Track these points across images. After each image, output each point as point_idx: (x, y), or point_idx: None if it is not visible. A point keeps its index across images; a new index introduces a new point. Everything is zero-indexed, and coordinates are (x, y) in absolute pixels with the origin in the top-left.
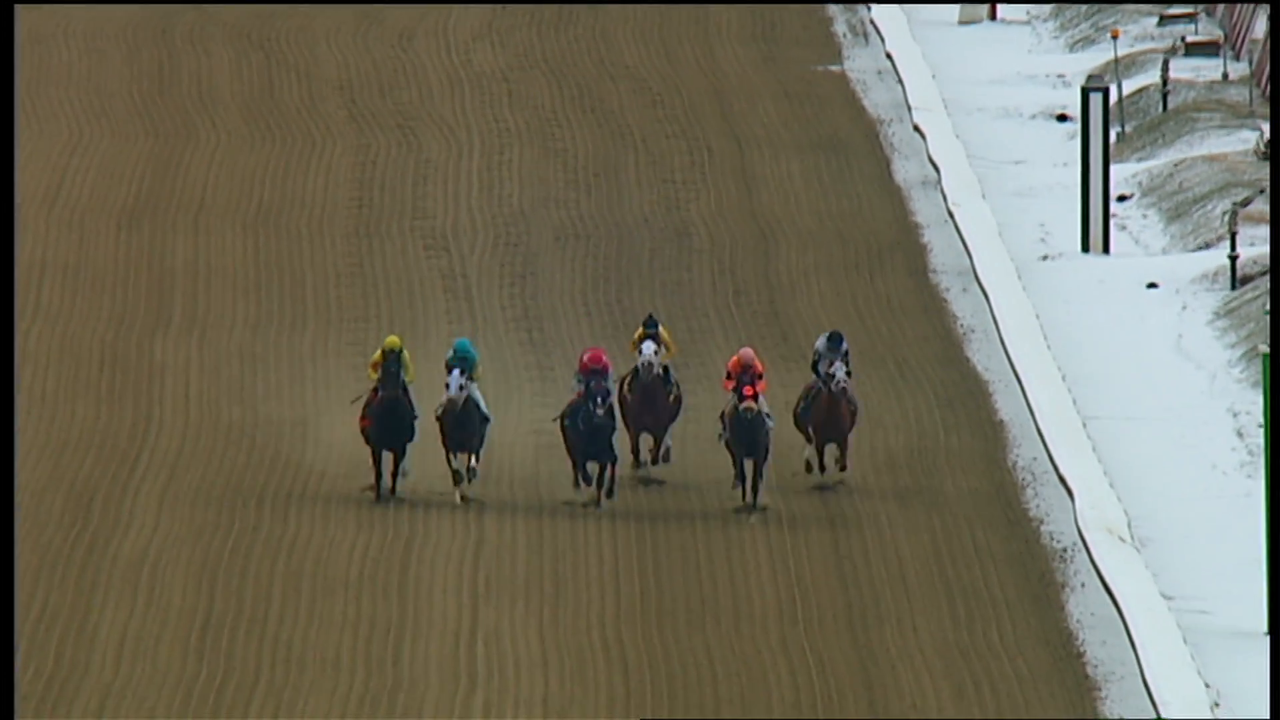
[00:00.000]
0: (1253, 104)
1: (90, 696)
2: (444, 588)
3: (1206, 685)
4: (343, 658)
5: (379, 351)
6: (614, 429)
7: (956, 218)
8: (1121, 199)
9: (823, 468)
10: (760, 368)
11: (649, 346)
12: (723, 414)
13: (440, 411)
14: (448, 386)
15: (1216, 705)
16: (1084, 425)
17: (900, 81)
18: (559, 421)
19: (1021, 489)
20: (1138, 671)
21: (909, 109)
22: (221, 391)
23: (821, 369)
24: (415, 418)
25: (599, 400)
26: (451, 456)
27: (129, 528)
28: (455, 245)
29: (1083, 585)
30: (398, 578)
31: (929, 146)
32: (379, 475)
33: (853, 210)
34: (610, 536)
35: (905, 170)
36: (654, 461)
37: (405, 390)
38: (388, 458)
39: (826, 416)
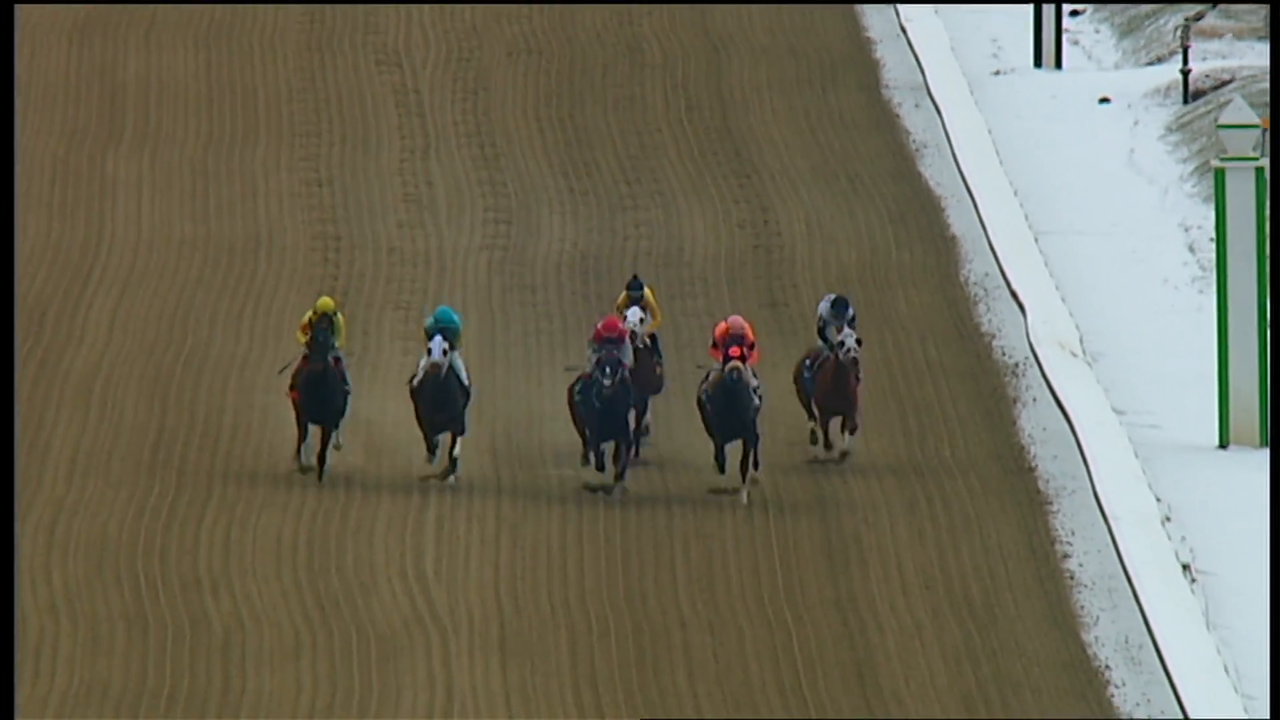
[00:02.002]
0: None
1: (43, 510)
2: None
3: (1158, 499)
4: (293, 472)
5: (310, 312)
6: (630, 402)
7: (909, 33)
8: (1074, 13)
9: (828, 443)
10: (751, 337)
11: (634, 314)
12: (702, 384)
13: (416, 383)
14: (429, 352)
15: (1167, 519)
16: (1035, 240)
17: None
18: (569, 393)
19: (973, 304)
20: (1089, 485)
21: None
22: (173, 207)
23: (830, 336)
24: (347, 392)
25: (609, 370)
26: (430, 438)
27: (81, 343)
28: (407, 61)
29: (1034, 400)
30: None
31: None
32: (301, 444)
33: (805, 25)
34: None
35: None
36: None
37: (338, 360)
38: (316, 432)
39: (832, 387)
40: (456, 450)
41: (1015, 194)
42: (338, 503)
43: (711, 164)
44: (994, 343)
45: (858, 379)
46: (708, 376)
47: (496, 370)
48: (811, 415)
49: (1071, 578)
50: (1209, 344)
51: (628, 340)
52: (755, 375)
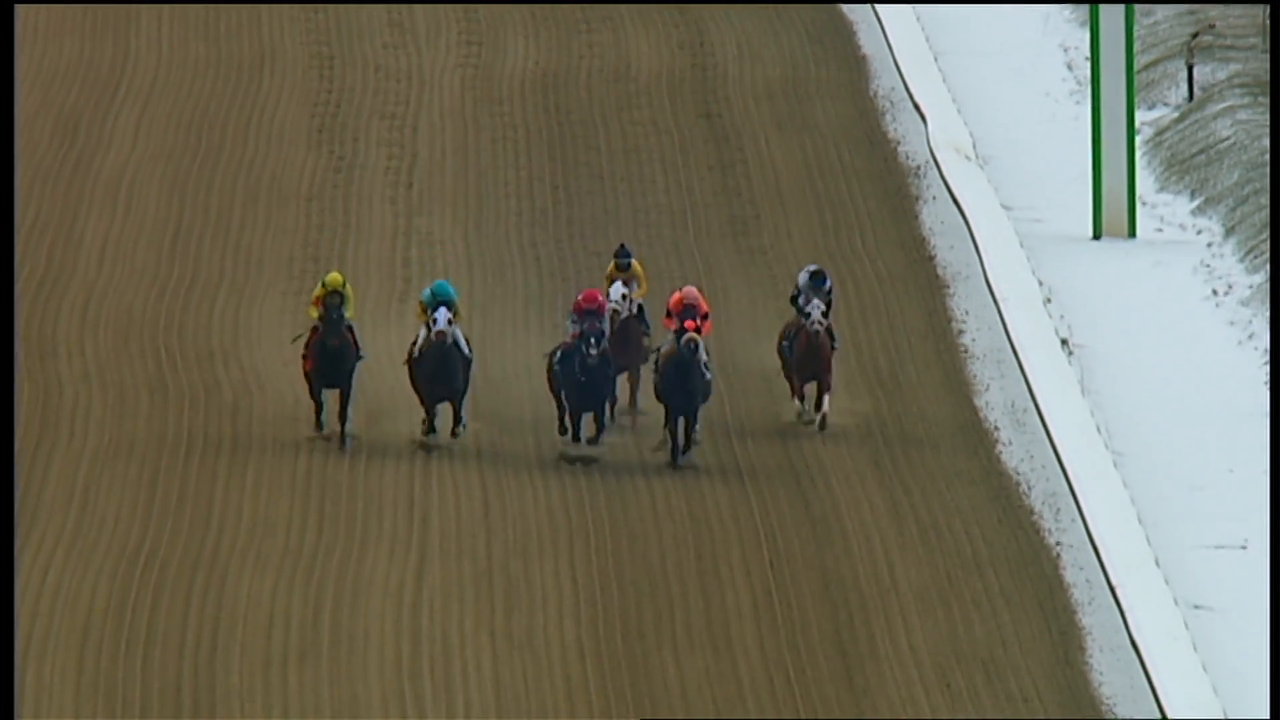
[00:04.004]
0: None
1: (77, 293)
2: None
3: (1040, 283)
4: (294, 259)
5: (319, 287)
6: (611, 375)
7: None
8: None
9: (813, 405)
10: (705, 307)
11: (617, 290)
12: (657, 355)
13: (417, 353)
14: (434, 322)
15: (1048, 300)
16: (935, 59)
17: None
18: (547, 360)
19: (881, 115)
20: (980, 271)
21: None
22: (189, 29)
23: (801, 304)
24: (360, 358)
25: (593, 341)
26: (430, 408)
27: (110, 148)
28: None
29: (934, 198)
30: (343, 196)
31: None
32: (319, 411)
33: None
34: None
35: None
36: (631, 403)
37: (350, 329)
38: (331, 398)
39: (805, 354)
40: (463, 426)
41: (918, 19)
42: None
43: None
44: (899, 148)
45: (833, 346)
46: (660, 349)
47: (469, 176)
48: (794, 391)
49: (965, 351)
50: (1084, 148)
51: (606, 314)
52: (706, 351)
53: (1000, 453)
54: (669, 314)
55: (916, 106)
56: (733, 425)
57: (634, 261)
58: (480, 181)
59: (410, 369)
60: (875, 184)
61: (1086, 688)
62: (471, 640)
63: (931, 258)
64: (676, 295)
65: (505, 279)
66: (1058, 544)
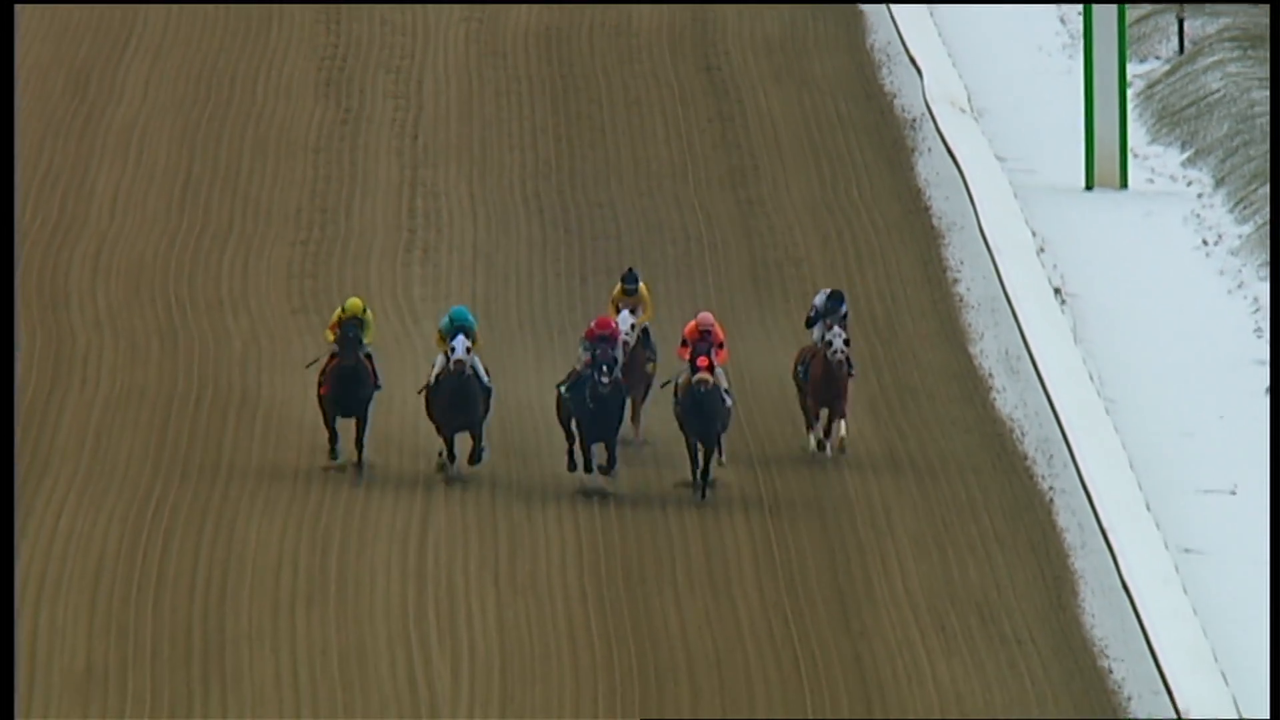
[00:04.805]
0: None
1: (89, 242)
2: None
3: (1033, 233)
4: (302, 210)
5: (337, 312)
6: (623, 403)
7: None
8: None
9: (826, 432)
10: (720, 335)
11: (625, 320)
12: (675, 385)
13: (434, 381)
14: (452, 350)
15: (1041, 250)
16: (930, 13)
17: None
18: (557, 392)
19: (877, 68)
20: (975, 221)
21: None
22: None
23: (818, 332)
24: (378, 386)
25: (605, 369)
26: (446, 439)
27: (120, 101)
28: None
29: (929, 150)
30: (349, 148)
31: None
32: (334, 437)
33: None
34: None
35: None
36: (635, 422)
37: (369, 357)
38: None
39: (822, 380)
40: (484, 453)
41: None
42: (339, 234)
43: None
44: (895, 101)
45: (850, 374)
46: (677, 378)
47: (473, 129)
48: (809, 423)
49: (960, 300)
50: (1077, 101)
51: (619, 340)
52: (725, 377)
53: (994, 400)
54: (684, 342)
55: (912, 60)
56: (731, 376)
57: (641, 285)
58: (484, 133)
59: (427, 399)
60: (871, 136)
61: (1079, 630)
62: (476, 584)
63: (927, 208)
64: (692, 324)
65: (509, 229)
66: (1051, 489)
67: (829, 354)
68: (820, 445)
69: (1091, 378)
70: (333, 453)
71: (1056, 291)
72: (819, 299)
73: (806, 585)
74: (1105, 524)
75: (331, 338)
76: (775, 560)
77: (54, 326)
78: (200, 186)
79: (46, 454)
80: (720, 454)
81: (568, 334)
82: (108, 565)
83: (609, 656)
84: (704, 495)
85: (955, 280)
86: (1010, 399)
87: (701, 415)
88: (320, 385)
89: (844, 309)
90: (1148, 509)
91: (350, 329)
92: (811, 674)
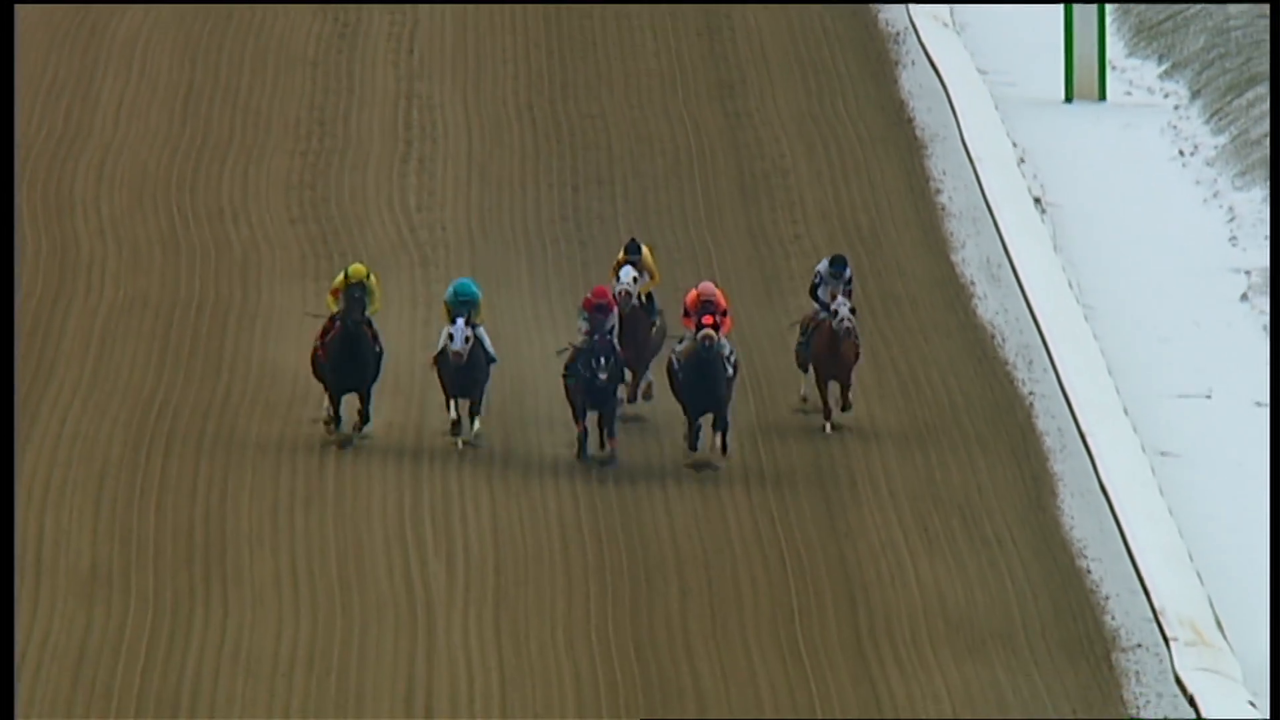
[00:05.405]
0: None
1: (94, 152)
2: (380, 136)
3: (1014, 144)
4: (300, 121)
5: (339, 278)
6: (617, 388)
7: None
8: None
9: (827, 411)
10: (724, 304)
11: (627, 273)
12: (674, 354)
13: (439, 355)
14: (452, 337)
15: (1022, 161)
16: None
17: None
18: (563, 378)
19: None
20: (957, 133)
21: None
22: None
23: (823, 296)
24: (380, 354)
25: (601, 362)
26: (451, 402)
27: (124, 12)
28: None
29: (913, 63)
30: (346, 61)
31: None
32: (337, 412)
33: None
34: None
35: None
36: (631, 399)
37: (370, 323)
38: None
39: (827, 352)
40: (477, 425)
41: None
42: (337, 145)
43: None
44: (879, 14)
45: (856, 347)
46: (681, 342)
47: (468, 42)
48: (808, 384)
49: (943, 209)
50: (1056, 15)
51: (615, 310)
52: (729, 345)
53: (976, 306)
54: (686, 312)
55: None
56: (719, 281)
57: (644, 252)
58: (479, 46)
59: (438, 370)
60: (856, 49)
61: (1058, 530)
62: (470, 487)
63: (910, 120)
64: (693, 293)
65: (502, 140)
66: (1031, 393)
67: (835, 323)
68: (805, 401)
69: (1070, 285)
70: (336, 419)
71: (1036, 201)
72: (822, 265)
73: (793, 487)
74: (1084, 427)
75: (333, 304)
76: (762, 463)
77: (59, 235)
78: (201, 98)
79: (52, 359)
80: (725, 440)
81: (560, 244)
82: (111, 468)
83: (600, 557)
84: (712, 462)
85: (938, 190)
86: (991, 306)
87: (704, 376)
88: (319, 347)
89: (848, 274)
90: (1125, 413)
91: (356, 291)
92: (798, 573)
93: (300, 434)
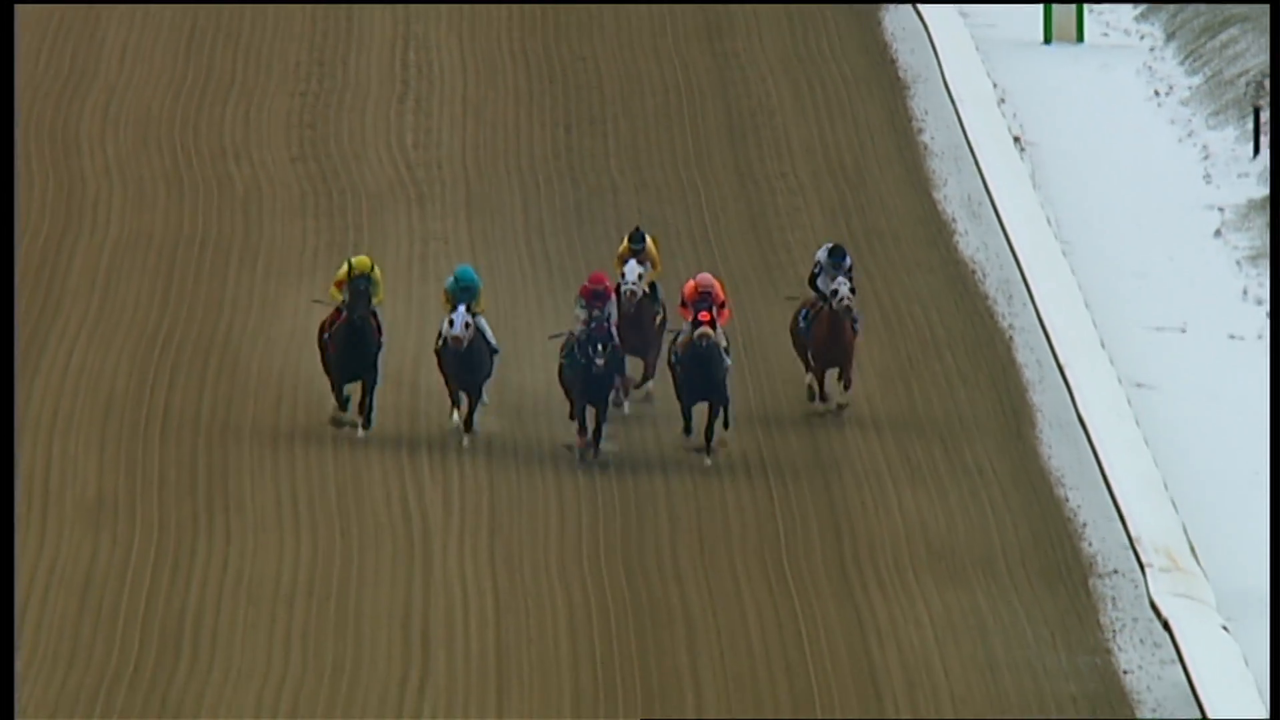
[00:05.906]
0: None
1: (99, 93)
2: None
3: (994, 84)
4: (300, 63)
5: (343, 269)
6: (614, 377)
7: None
8: None
9: (824, 396)
10: (721, 295)
11: (632, 270)
12: (674, 344)
13: (441, 345)
14: (452, 324)
15: (1002, 101)
16: None
17: None
18: (559, 364)
19: None
20: (939, 74)
21: None
22: None
23: (822, 284)
24: (380, 348)
25: (599, 349)
26: (454, 411)
27: None
28: None
29: (895, 4)
30: (345, 4)
31: None
32: (341, 401)
33: None
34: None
35: None
36: (638, 385)
37: (375, 314)
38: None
39: (828, 335)
40: (483, 403)
41: None
42: (336, 86)
43: None
44: None
45: (854, 330)
46: (677, 338)
47: (477, 16)
48: (809, 367)
49: (925, 148)
50: None
51: (613, 297)
52: (725, 337)
53: (957, 242)
54: (684, 303)
55: None
56: (707, 222)
57: (648, 242)
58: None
59: (439, 361)
60: None
61: (1036, 460)
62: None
63: (893, 60)
64: (691, 284)
65: (497, 81)
66: (1010, 327)
67: (835, 302)
68: (811, 394)
69: (1049, 221)
70: (341, 406)
71: (1016, 140)
72: (821, 254)
73: (779, 417)
74: (1062, 360)
75: (337, 295)
76: (749, 394)
77: (65, 173)
78: (204, 40)
79: (59, 295)
80: (727, 418)
81: (553, 182)
82: (117, 400)
83: (592, 487)
84: (709, 451)
85: (920, 129)
86: (972, 242)
87: (702, 369)
88: (325, 342)
89: (848, 263)
90: (1102, 346)
91: (361, 283)
92: (784, 501)
93: (300, 367)
